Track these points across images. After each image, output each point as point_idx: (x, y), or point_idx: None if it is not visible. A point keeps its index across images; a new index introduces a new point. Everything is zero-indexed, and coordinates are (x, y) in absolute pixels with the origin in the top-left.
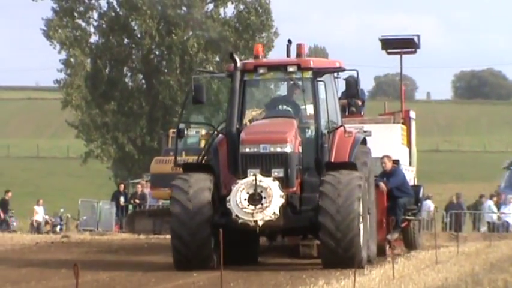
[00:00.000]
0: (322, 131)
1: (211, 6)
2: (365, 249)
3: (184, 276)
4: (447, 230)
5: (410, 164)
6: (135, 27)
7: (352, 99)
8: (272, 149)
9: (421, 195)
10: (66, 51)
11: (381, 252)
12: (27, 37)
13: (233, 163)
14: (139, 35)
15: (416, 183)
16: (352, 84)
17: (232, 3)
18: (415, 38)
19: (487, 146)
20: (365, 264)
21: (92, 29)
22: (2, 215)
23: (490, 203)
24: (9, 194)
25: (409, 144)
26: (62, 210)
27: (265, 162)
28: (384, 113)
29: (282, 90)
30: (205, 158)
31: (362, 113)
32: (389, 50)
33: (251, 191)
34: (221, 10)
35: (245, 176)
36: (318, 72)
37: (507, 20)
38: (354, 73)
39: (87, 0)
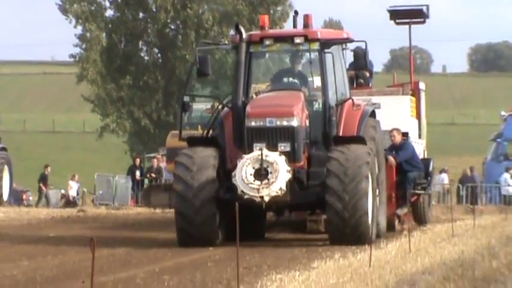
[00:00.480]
0: (330, 104)
1: None
2: (373, 225)
3: (200, 251)
4: (463, 203)
5: (419, 136)
6: (150, 2)
7: (360, 71)
8: (278, 123)
9: (431, 168)
10: (81, 26)
11: (390, 227)
12: (43, 11)
13: (239, 137)
14: (154, 9)
15: (426, 156)
16: (360, 56)
17: None
18: (424, 8)
19: None
20: (373, 241)
21: (107, 3)
22: (44, 189)
23: (506, 176)
24: (49, 168)
25: (418, 117)
26: (78, 184)
27: (272, 136)
28: (393, 85)
29: (289, 62)
30: (211, 131)
31: (370, 85)
32: (397, 21)
33: (257, 166)
34: None
35: (251, 150)
36: (326, 44)
37: None
38: (362, 44)
39: None
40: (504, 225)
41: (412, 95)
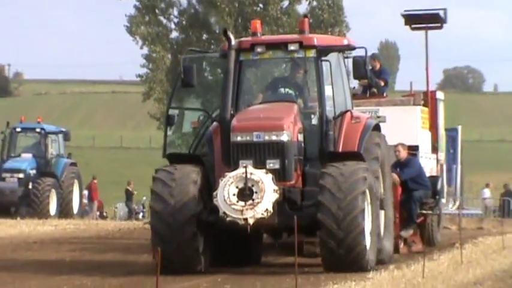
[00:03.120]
0: (327, 117)
1: (286, 3)
2: (373, 249)
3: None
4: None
5: (434, 150)
6: (213, 23)
7: (372, 80)
8: (267, 138)
9: (439, 187)
10: (148, 47)
11: (394, 250)
12: (112, 33)
13: (226, 153)
14: (217, 31)
15: (445, 169)
16: (360, 64)
17: (306, 0)
18: (441, 13)
19: None
20: (372, 267)
21: (172, 26)
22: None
23: None
24: None
25: (432, 128)
26: (144, 198)
27: (259, 153)
28: (407, 94)
29: (283, 70)
30: (198, 148)
31: (385, 94)
32: (413, 26)
33: (241, 185)
34: (296, 7)
35: (237, 168)
36: (323, 51)
37: None
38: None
39: None
40: None
41: (424, 105)
